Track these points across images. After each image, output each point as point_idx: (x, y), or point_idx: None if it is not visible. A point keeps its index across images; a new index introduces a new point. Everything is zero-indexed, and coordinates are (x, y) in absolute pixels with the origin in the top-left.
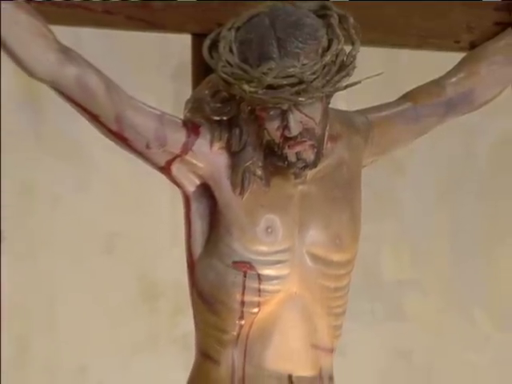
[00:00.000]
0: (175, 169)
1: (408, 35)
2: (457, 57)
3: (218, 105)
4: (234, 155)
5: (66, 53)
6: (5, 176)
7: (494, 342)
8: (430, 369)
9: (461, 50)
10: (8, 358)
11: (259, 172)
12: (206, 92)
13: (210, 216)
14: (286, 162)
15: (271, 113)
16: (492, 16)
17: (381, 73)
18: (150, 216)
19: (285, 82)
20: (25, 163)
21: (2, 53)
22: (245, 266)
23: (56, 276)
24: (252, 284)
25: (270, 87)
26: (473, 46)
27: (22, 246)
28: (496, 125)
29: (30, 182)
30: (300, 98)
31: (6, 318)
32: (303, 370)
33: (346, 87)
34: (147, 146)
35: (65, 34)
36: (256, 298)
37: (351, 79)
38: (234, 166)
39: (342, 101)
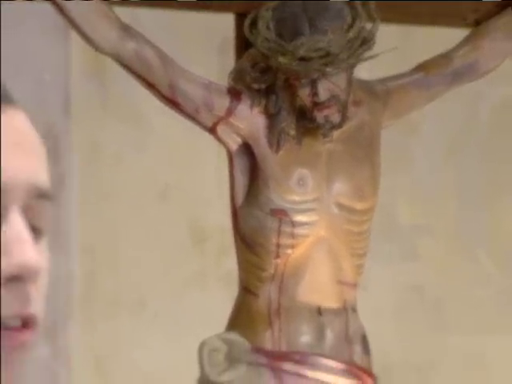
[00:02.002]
0: (220, 129)
1: (421, 14)
2: (463, 33)
3: (257, 75)
4: (271, 118)
5: (127, 30)
6: (76, 137)
7: (495, 278)
8: (439, 302)
9: (467, 26)
10: (80, 292)
11: (292, 132)
12: (247, 64)
13: (250, 171)
14: (316, 124)
15: (303, 81)
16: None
17: (396, 47)
18: (199, 170)
19: (314, 55)
20: (93, 126)
21: (72, 31)
22: (280, 214)
23: (119, 221)
24: (286, 229)
25: (302, 59)
26: (477, 23)
27: (91, 195)
28: (497, 91)
29: (98, 142)
30: (328, 69)
31: (78, 257)
32: (330, 302)
33: (366, 59)
34: (196, 110)
35: (125, 14)
36: (289, 241)
37: (371, 52)
38: (270, 127)
39: (364, 71)
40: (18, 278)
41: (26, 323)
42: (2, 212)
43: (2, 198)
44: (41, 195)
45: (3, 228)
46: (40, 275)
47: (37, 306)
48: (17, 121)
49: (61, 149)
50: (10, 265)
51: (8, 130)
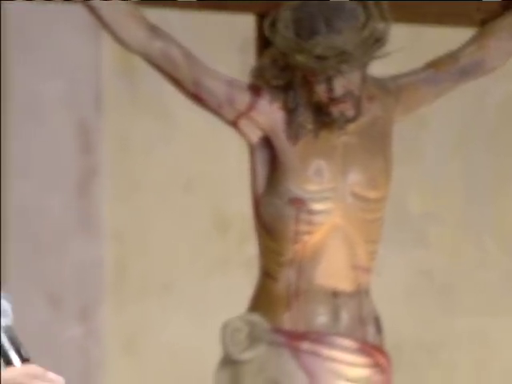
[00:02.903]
0: (242, 123)
1: (429, 15)
2: (470, 32)
3: (277, 72)
4: (289, 112)
5: (154, 30)
6: (107, 131)
7: (500, 263)
8: (448, 285)
9: (473, 26)
10: (111, 276)
11: (309, 126)
12: (267, 62)
13: (270, 162)
14: (331, 118)
15: (319, 78)
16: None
17: (405, 47)
18: (221, 162)
19: (330, 53)
20: (123, 121)
21: (103, 31)
22: (298, 202)
23: (148, 210)
24: (304, 216)
25: (319, 57)
26: (483, 23)
27: (122, 186)
28: (502, 87)
29: (127, 136)
30: (343, 66)
31: (109, 244)
32: (345, 286)
33: (379, 57)
34: (219, 105)
35: (154, 15)
36: (307, 228)
37: (383, 51)
38: (289, 122)
39: (377, 68)
40: None
41: None
42: None
43: None
44: None
45: None
46: None
47: None
48: None
49: (93, 142)
50: None
51: None
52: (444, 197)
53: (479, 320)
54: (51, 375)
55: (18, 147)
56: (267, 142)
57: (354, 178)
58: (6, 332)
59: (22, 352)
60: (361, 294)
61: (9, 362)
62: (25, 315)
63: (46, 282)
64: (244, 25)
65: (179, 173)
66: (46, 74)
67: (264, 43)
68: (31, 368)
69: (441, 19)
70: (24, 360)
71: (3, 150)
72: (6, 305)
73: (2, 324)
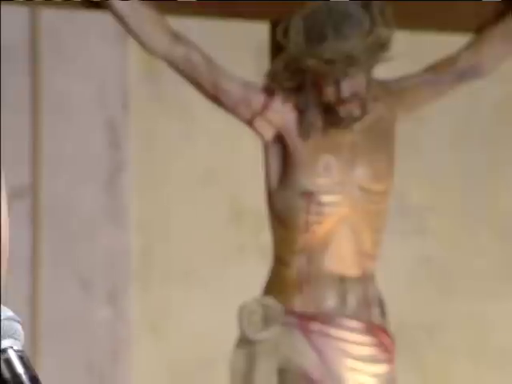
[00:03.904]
0: (257, 122)
1: (429, 22)
2: (466, 38)
3: (289, 75)
4: (301, 112)
5: (176, 37)
6: (134, 129)
7: (495, 250)
8: (446, 271)
9: (469, 32)
10: (137, 262)
11: (319, 124)
12: (280, 65)
13: (283, 158)
14: (340, 117)
15: (328, 80)
16: (492, 8)
17: (406, 51)
18: (238, 157)
19: (338, 58)
20: (148, 119)
21: (130, 37)
22: (309, 195)
23: (171, 201)
24: (314, 208)
25: (328, 61)
26: (479, 29)
27: (147, 179)
28: (496, 88)
29: (152, 133)
30: (350, 70)
31: (135, 232)
32: (352, 271)
33: (383, 61)
34: (236, 106)
35: (176, 23)
36: (317, 218)
37: (387, 55)
38: (300, 120)
39: (382, 71)
40: None
41: None
42: None
43: None
44: None
45: None
46: None
47: None
48: None
49: (120, 139)
50: None
51: None
52: (442, 189)
53: (475, 303)
54: None
55: (51, 144)
56: (280, 139)
57: (361, 172)
58: (20, 357)
59: (36, 379)
60: (366, 278)
61: None
62: (58, 299)
63: (77, 267)
64: (259, 32)
65: (199, 167)
66: (78, 77)
67: (277, 48)
68: None
69: (439, 26)
70: None
71: (38, 147)
72: (16, 326)
73: (15, 348)
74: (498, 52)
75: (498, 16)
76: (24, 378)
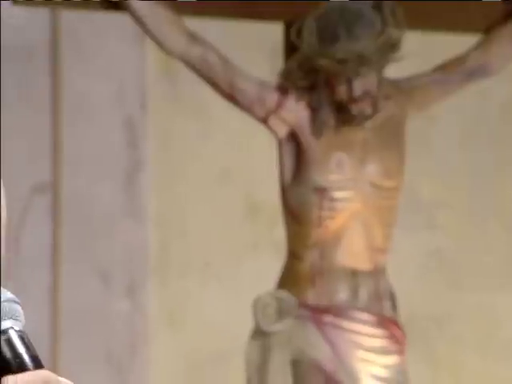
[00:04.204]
0: (271, 120)
1: (440, 22)
2: (475, 39)
3: (302, 74)
4: (314, 110)
5: (193, 37)
6: (151, 128)
7: (503, 243)
8: (455, 264)
9: (478, 32)
10: (155, 256)
11: (332, 122)
12: (294, 65)
13: (296, 155)
14: (351, 115)
15: (340, 80)
16: (501, 8)
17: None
18: (253, 154)
19: (350, 57)
20: (165, 118)
21: (147, 38)
22: (321, 191)
23: (187, 197)
24: (326, 203)
25: (340, 61)
26: (487, 30)
27: (164, 176)
28: (504, 87)
29: (169, 131)
30: (361, 69)
31: (153, 227)
32: (363, 265)
33: (394, 61)
34: (251, 104)
35: (193, 24)
36: (329, 214)
37: (398, 55)
38: (313, 118)
39: (393, 70)
40: None
41: None
42: None
43: None
44: None
45: None
46: None
47: None
48: None
49: (138, 137)
50: None
51: None
52: (451, 186)
53: (483, 295)
54: (64, 381)
55: (71, 142)
56: (294, 137)
57: (372, 169)
58: (20, 337)
59: (38, 358)
60: (378, 272)
61: (23, 367)
62: (78, 292)
63: (97, 261)
64: (273, 32)
65: (215, 164)
66: (97, 77)
67: (291, 49)
68: (46, 374)
69: (449, 26)
70: (38, 367)
71: (59, 145)
72: (15, 307)
73: (16, 328)
74: (506, 51)
75: (507, 16)
76: (25, 357)
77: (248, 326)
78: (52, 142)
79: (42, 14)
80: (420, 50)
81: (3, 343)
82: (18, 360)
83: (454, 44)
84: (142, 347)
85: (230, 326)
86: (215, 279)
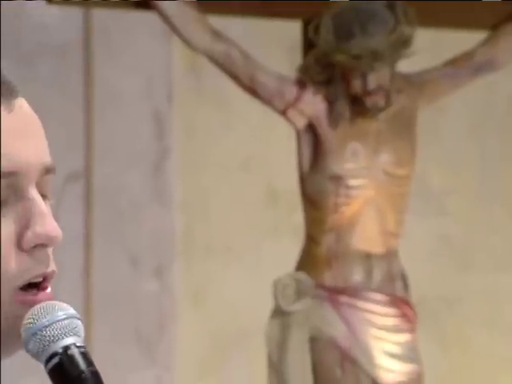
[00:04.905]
0: (290, 112)
1: (449, 20)
2: (483, 35)
3: (320, 69)
4: (330, 103)
5: (217, 34)
6: (177, 119)
7: (509, 228)
8: (463, 247)
9: (486, 29)
10: (181, 240)
11: (347, 114)
12: (312, 60)
13: (314, 145)
14: (366, 107)
15: (355, 74)
16: (507, 7)
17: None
18: (273, 144)
19: (365, 53)
20: (190, 110)
21: (174, 35)
22: (337, 179)
23: (211, 184)
24: (342, 191)
25: (355, 57)
26: (494, 27)
27: (189, 165)
28: (510, 80)
29: (194, 123)
30: (375, 64)
31: (179, 212)
32: (377, 249)
33: (406, 56)
34: (271, 97)
35: (216, 22)
36: (345, 200)
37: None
38: (330, 111)
39: (405, 65)
40: (42, 245)
41: (45, 280)
42: (22, 192)
43: (20, 180)
44: (48, 171)
45: (25, 204)
46: (59, 240)
47: (53, 263)
48: (23, 111)
49: (165, 128)
50: (34, 235)
51: (16, 121)
52: (460, 173)
53: (490, 276)
54: None
55: (103, 133)
56: (311, 128)
57: (385, 158)
58: (82, 353)
59: (98, 374)
60: (390, 255)
61: (84, 383)
62: (109, 274)
63: (126, 245)
64: (292, 30)
65: (237, 153)
66: (127, 72)
67: (309, 45)
68: None
69: (458, 24)
70: (98, 383)
71: (91, 136)
72: (77, 323)
73: (77, 344)
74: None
75: None
76: (87, 373)
77: (268, 305)
78: (85, 134)
79: (75, 13)
80: (430, 47)
81: (66, 359)
82: (80, 377)
83: (462, 40)
84: (169, 325)
85: (251, 306)
86: (237, 261)
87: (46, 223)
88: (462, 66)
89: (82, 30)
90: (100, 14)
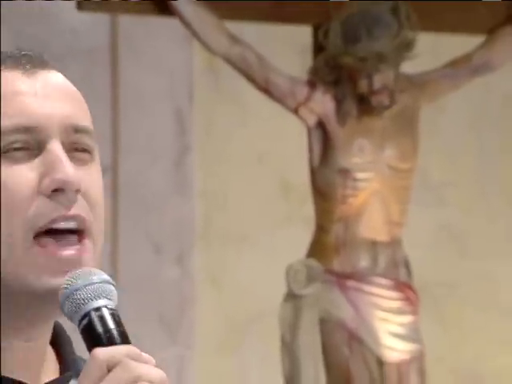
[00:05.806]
0: (301, 111)
1: (449, 25)
2: (480, 39)
3: (328, 70)
4: (339, 102)
5: (233, 38)
6: (197, 117)
7: (505, 217)
8: (463, 235)
9: (482, 33)
10: (200, 227)
11: (354, 112)
12: (321, 62)
13: (323, 141)
14: (371, 106)
15: (362, 75)
16: (504, 11)
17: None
18: (286, 140)
19: (370, 56)
20: (209, 108)
21: (194, 39)
22: (345, 172)
23: (228, 177)
24: (350, 183)
25: (361, 59)
26: (491, 31)
27: (209, 159)
28: (507, 79)
29: (213, 120)
30: (380, 66)
31: (199, 202)
32: (382, 237)
33: (409, 58)
34: (283, 97)
35: (233, 27)
36: (352, 192)
37: (412, 53)
38: (338, 109)
39: (408, 66)
40: (61, 190)
41: (79, 230)
42: (43, 144)
43: (40, 134)
44: (78, 130)
45: (46, 155)
46: (78, 185)
47: (81, 208)
48: (48, 79)
49: (186, 125)
50: (52, 180)
51: (36, 85)
52: (459, 165)
53: (488, 263)
54: (146, 357)
55: (129, 131)
56: (321, 125)
57: (389, 153)
58: (112, 314)
59: (126, 335)
60: (394, 243)
61: (111, 342)
62: (134, 260)
63: (150, 233)
64: (303, 34)
65: (252, 148)
66: (150, 73)
67: (319, 48)
68: (131, 349)
69: (458, 28)
70: (125, 342)
71: (118, 133)
72: (110, 288)
73: (108, 306)
74: (508, 49)
75: (509, 17)
76: (114, 332)
77: (281, 289)
78: (112, 131)
79: (102, 19)
80: (431, 49)
81: (96, 319)
82: (107, 335)
83: (461, 44)
84: (190, 308)
85: (265, 290)
86: (253, 249)
87: (63, 170)
88: (461, 68)
89: (109, 35)
90: (126, 20)
